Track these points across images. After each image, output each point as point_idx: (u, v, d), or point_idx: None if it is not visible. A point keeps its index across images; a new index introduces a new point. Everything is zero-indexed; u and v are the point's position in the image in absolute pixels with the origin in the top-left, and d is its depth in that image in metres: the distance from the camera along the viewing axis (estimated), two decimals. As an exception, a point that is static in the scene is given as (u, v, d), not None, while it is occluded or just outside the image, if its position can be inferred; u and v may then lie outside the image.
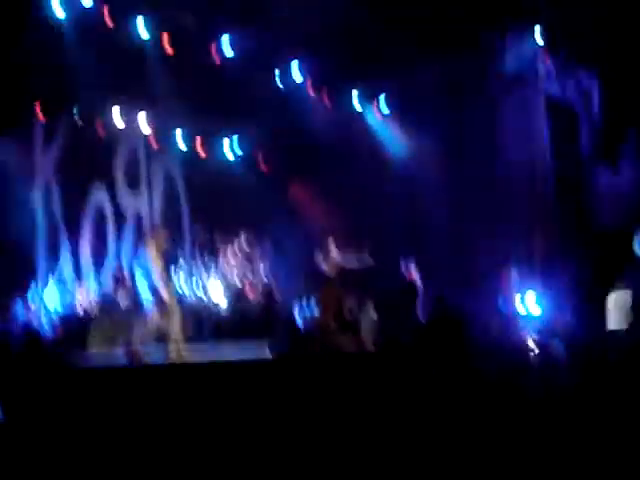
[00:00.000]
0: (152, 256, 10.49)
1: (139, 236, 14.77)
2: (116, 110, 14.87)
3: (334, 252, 13.32)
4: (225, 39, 14.23)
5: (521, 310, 13.48)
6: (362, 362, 10.52)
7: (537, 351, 11.03)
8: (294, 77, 15.51)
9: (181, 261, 11.61)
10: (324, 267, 13.20)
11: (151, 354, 10.73)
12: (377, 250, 14.14)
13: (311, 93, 15.96)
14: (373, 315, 14.06)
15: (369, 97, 16.84)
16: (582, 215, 15.03)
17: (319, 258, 13.19)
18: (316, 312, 13.83)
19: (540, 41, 14.55)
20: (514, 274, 13.91)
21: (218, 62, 14.30)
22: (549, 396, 8.88)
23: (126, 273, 13.39)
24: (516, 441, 7.10)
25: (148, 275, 10.43)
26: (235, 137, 17.37)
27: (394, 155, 16.69)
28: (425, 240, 16.22)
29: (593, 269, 13.36)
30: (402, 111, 16.67)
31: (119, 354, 10.45)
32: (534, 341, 11.87)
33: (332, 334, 12.36)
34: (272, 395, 8.39)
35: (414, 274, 14.31)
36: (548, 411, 8.26)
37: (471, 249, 15.76)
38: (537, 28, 14.42)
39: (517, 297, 13.67)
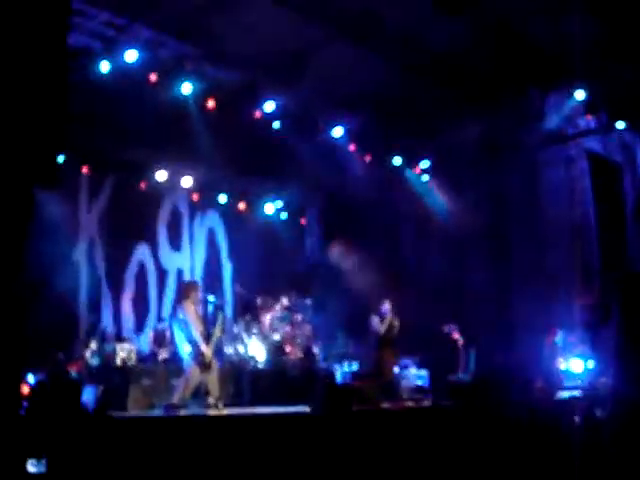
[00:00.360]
0: (190, 312, 10.51)
1: (179, 292, 14.85)
2: (160, 166, 15.07)
3: (390, 312, 13.35)
4: (268, 101, 14.36)
5: (565, 369, 13.25)
6: (403, 420, 10.37)
7: (580, 411, 10.83)
8: (336, 135, 15.59)
9: (221, 317, 11.53)
10: (380, 327, 13.18)
11: (190, 409, 10.70)
12: (420, 309, 14.07)
13: (352, 151, 16.03)
14: (415, 373, 13.94)
15: (410, 155, 16.87)
16: (627, 274, 14.74)
17: (375, 318, 13.19)
18: (366, 370, 13.70)
19: (581, 98, 14.50)
20: (558, 333, 13.71)
21: (261, 120, 14.45)
22: (592, 456, 8.67)
23: (167, 329, 13.40)
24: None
25: (187, 331, 10.45)
26: (277, 195, 17.47)
27: (435, 213, 16.67)
28: (468, 299, 16.13)
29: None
30: (443, 168, 16.70)
31: (158, 410, 10.43)
32: (578, 401, 11.66)
33: (377, 392, 12.25)
34: (308, 450, 8.29)
35: (456, 333, 14.19)
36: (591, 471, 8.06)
37: (514, 308, 15.62)
38: (578, 86, 14.40)
39: (561, 357, 13.46)
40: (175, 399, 10.27)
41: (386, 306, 13.56)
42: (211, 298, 11.97)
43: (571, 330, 13.98)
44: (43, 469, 6.44)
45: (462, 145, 16.08)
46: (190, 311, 10.51)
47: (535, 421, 10.36)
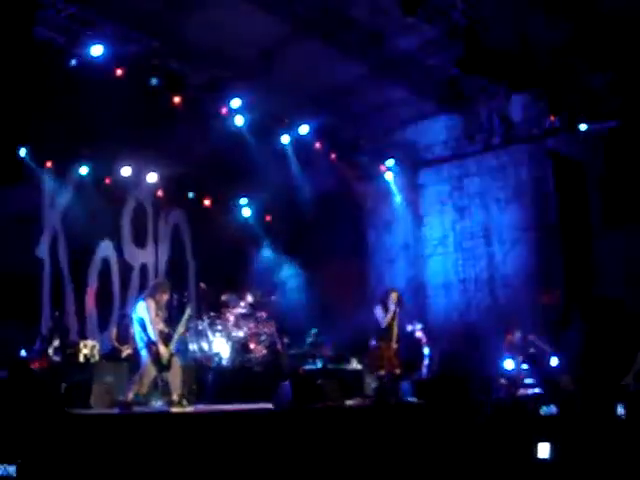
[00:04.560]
0: (151, 310, 10.35)
1: (142, 289, 14.77)
2: (125, 162, 14.99)
3: (395, 305, 12.71)
4: (234, 98, 14.31)
5: (522, 370, 13.39)
6: (366, 418, 10.41)
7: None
8: (302, 133, 15.58)
9: (186, 315, 11.32)
10: (383, 319, 12.68)
11: (152, 407, 10.64)
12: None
13: (318, 150, 16.02)
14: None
15: (375, 153, 16.92)
16: (587, 278, 14.81)
17: (379, 309, 12.70)
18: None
19: (544, 99, 14.70)
20: (517, 336, 13.80)
21: (227, 116, 14.43)
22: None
23: (130, 325, 13.31)
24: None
25: (145, 329, 10.28)
26: (243, 192, 17.46)
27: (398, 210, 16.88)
28: (430, 301, 16.29)
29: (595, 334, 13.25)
30: (408, 166, 16.85)
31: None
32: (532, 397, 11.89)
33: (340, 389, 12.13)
34: (271, 447, 8.30)
35: (420, 332, 14.23)
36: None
37: (475, 311, 15.78)
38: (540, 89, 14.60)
39: (519, 358, 13.57)
40: (128, 397, 10.14)
41: (392, 297, 12.91)
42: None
43: (532, 329, 14.09)
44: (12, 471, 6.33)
45: (428, 142, 16.24)
46: (151, 309, 10.34)
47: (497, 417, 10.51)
